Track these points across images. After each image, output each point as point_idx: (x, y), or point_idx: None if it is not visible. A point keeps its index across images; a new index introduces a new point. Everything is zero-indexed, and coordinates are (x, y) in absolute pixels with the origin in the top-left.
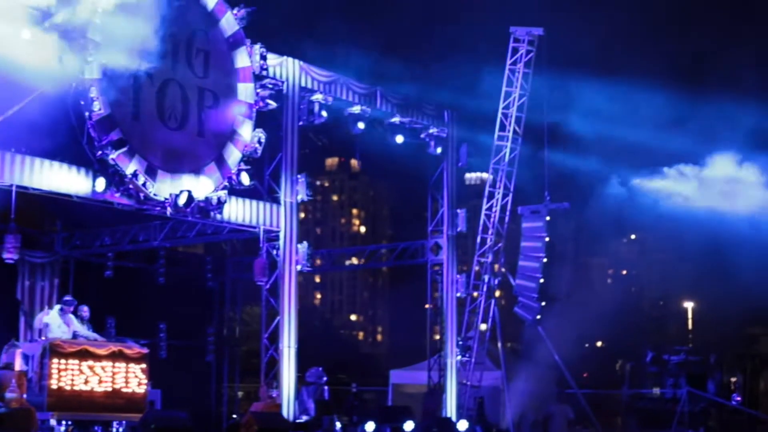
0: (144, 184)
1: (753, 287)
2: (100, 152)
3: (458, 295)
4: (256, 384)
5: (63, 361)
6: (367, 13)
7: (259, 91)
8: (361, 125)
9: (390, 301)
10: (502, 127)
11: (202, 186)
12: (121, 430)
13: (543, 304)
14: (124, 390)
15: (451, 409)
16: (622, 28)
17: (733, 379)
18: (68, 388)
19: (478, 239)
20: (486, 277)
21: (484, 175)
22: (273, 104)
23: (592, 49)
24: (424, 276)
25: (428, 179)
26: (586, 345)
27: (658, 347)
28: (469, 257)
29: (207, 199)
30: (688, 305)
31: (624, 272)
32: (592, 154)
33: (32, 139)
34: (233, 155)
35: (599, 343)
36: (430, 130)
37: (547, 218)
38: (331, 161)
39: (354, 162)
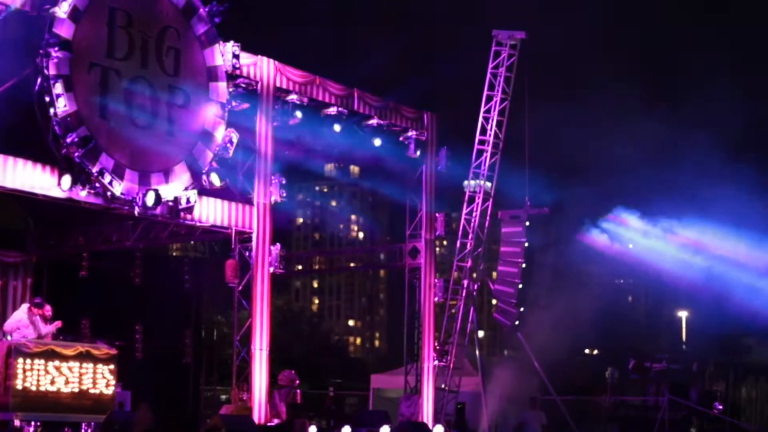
0: (110, 183)
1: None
2: (65, 150)
3: (436, 299)
4: None
5: (28, 361)
6: (344, 13)
7: (231, 90)
8: (337, 127)
9: (388, 306)
10: (483, 131)
11: (171, 186)
12: (90, 431)
13: (521, 309)
14: (92, 391)
15: (428, 414)
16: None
17: (717, 388)
18: (34, 388)
19: (458, 244)
20: (465, 282)
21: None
22: (246, 104)
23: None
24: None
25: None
26: (587, 352)
27: (639, 355)
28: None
29: (176, 199)
30: (682, 314)
31: (620, 281)
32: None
33: None
34: (204, 155)
35: (595, 351)
36: (409, 133)
37: (527, 223)
38: (330, 166)
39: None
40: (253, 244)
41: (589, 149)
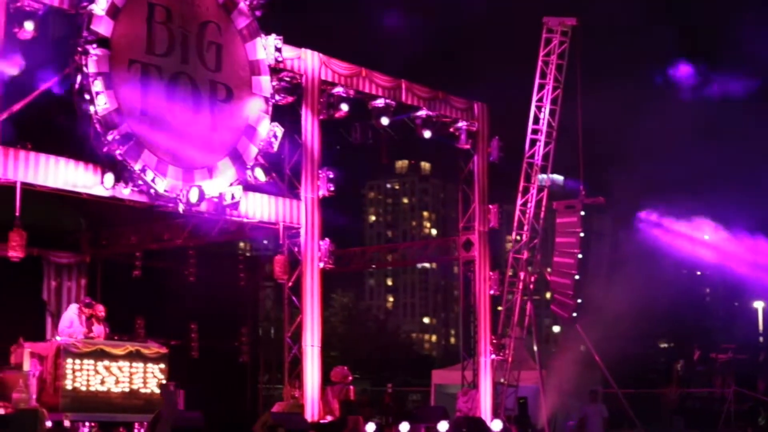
0: (153, 180)
1: None
2: (106, 148)
3: (491, 292)
4: None
5: (78, 361)
6: (392, 4)
7: (275, 84)
8: (385, 120)
9: (463, 302)
10: (536, 121)
11: (215, 182)
12: (143, 431)
13: (579, 301)
14: (143, 390)
15: (485, 408)
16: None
17: None
18: (83, 388)
19: (513, 235)
20: (522, 275)
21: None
22: (289, 97)
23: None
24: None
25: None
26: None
27: (705, 346)
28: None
29: (221, 195)
30: (759, 305)
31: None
32: None
33: (39, 135)
34: (248, 150)
35: (664, 345)
36: (459, 124)
37: (582, 213)
38: (401, 164)
39: (424, 164)
40: (302, 239)
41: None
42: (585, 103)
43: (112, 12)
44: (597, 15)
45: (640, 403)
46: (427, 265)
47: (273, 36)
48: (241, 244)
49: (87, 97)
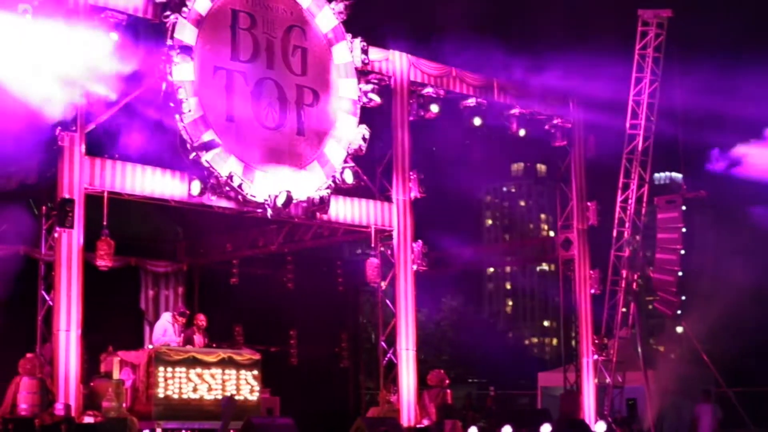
0: (240, 186)
1: None
2: (193, 155)
3: (592, 292)
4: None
5: (170, 369)
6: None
7: (362, 86)
8: (477, 121)
9: None
10: (634, 115)
11: (303, 186)
12: None
13: (683, 298)
14: (236, 397)
15: (589, 410)
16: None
17: None
18: (176, 396)
19: (614, 233)
20: (624, 273)
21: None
22: (377, 99)
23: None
24: None
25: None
26: None
27: None
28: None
29: (309, 199)
30: None
31: None
32: None
33: (125, 145)
34: (336, 153)
35: None
36: (554, 121)
37: (683, 208)
38: (517, 166)
39: (540, 166)
40: (394, 241)
41: None
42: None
43: (196, 20)
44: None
45: (753, 402)
46: (545, 267)
47: (359, 39)
48: (344, 249)
49: (172, 105)
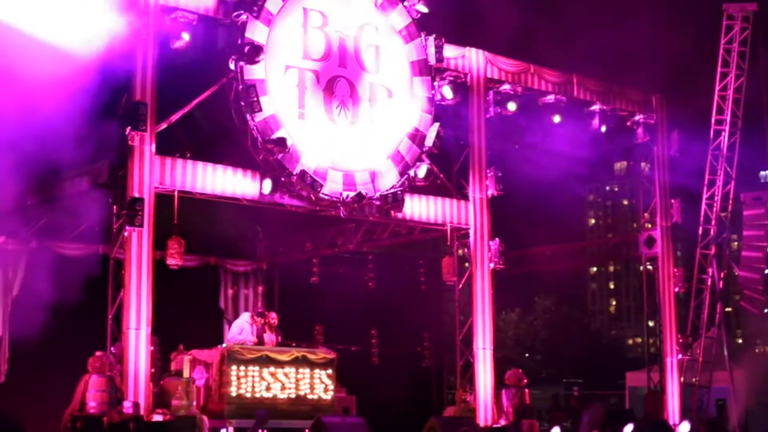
0: (312, 184)
1: None
2: (264, 154)
3: (676, 290)
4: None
5: (242, 367)
6: None
7: (436, 84)
8: (557, 118)
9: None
10: (720, 111)
11: (377, 184)
12: None
13: None
14: (310, 396)
15: (673, 410)
16: None
17: None
18: (249, 395)
19: (700, 230)
20: (710, 271)
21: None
22: (451, 96)
23: None
24: None
25: None
26: None
27: None
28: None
29: (382, 197)
30: None
31: None
32: None
33: (196, 144)
34: (411, 151)
35: None
36: (636, 117)
37: None
38: (620, 165)
39: (644, 164)
40: (471, 240)
41: None
42: None
43: (267, 19)
44: None
45: None
46: (650, 267)
47: (433, 36)
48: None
49: (243, 104)
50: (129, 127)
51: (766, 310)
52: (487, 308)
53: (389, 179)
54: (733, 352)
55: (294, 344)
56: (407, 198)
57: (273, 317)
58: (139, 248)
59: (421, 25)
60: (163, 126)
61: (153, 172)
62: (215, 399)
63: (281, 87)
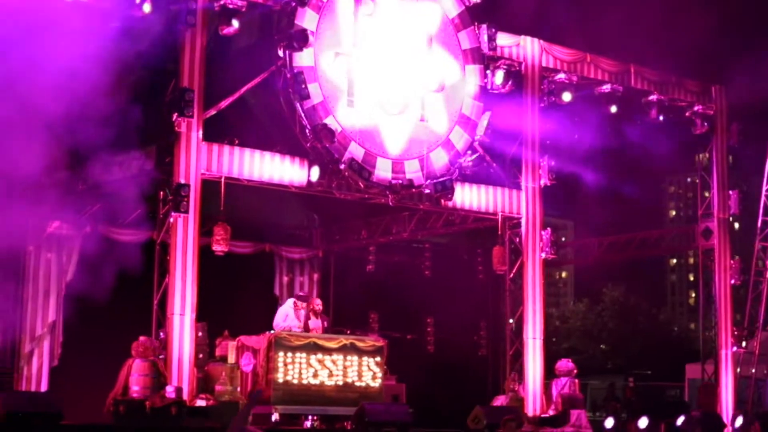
0: (360, 172)
1: None
2: (312, 141)
3: (732, 282)
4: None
5: (290, 354)
6: None
7: (489, 72)
8: (613, 108)
9: None
10: None
11: (426, 172)
12: None
13: None
14: (357, 384)
15: (727, 403)
16: None
17: None
18: (296, 381)
19: (759, 222)
20: None
21: None
22: (502, 84)
23: None
24: None
25: None
26: None
27: None
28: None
29: (432, 185)
30: None
31: None
32: None
33: (244, 131)
34: (461, 139)
35: None
36: (695, 108)
37: None
38: (702, 157)
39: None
40: (522, 229)
41: None
42: None
43: (317, 6)
44: None
45: None
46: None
47: (485, 25)
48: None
49: (291, 91)
50: (176, 113)
51: None
52: (538, 298)
53: (439, 167)
54: None
55: (348, 331)
56: (458, 186)
57: (318, 303)
58: (184, 234)
59: (476, 14)
60: (212, 112)
61: (200, 159)
62: (262, 385)
63: (330, 74)
